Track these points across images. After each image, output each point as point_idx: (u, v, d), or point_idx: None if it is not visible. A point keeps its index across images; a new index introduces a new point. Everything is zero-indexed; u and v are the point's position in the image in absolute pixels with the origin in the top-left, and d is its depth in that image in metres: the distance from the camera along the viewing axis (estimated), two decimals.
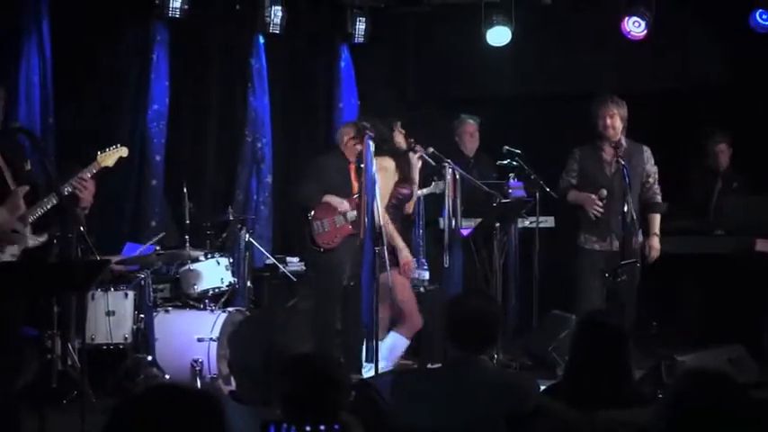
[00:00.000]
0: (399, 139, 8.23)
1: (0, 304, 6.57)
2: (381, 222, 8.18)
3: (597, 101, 8.35)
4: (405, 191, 7.98)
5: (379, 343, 7.95)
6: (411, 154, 8.04)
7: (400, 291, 8.18)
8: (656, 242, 8.36)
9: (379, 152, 7.92)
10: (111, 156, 7.13)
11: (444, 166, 8.16)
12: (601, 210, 8.26)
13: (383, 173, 7.89)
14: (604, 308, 8.19)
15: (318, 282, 9.29)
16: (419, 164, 8.12)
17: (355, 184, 8.72)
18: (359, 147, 8.87)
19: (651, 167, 8.38)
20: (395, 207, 7.97)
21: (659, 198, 8.41)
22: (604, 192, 8.25)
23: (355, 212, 8.59)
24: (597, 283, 8.36)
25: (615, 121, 8.25)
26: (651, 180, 8.40)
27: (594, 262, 8.41)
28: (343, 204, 8.65)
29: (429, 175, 8.62)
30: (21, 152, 6.85)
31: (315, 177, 9.05)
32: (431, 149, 8.37)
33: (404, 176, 8.02)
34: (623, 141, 8.28)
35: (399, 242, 7.97)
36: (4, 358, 6.81)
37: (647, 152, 8.37)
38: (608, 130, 8.26)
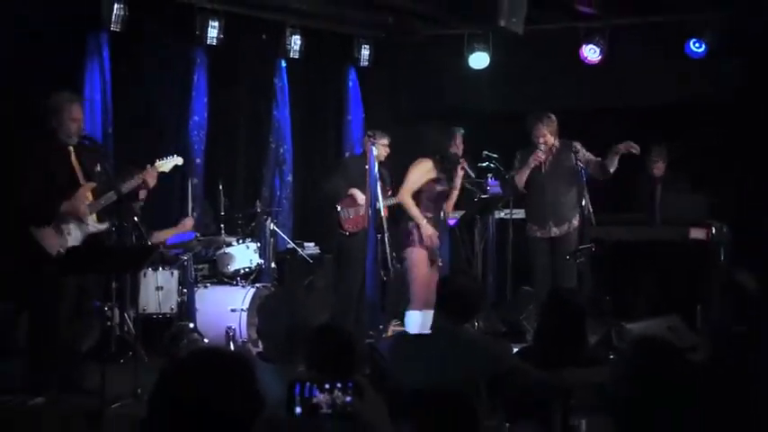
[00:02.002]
0: (457, 150, 8.16)
1: (79, 281, 6.65)
2: (384, 214, 8.23)
3: (530, 120, 8.36)
4: (439, 188, 7.99)
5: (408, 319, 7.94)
6: (456, 165, 8.05)
7: (418, 270, 8.03)
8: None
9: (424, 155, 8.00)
10: (168, 163, 7.17)
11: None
12: (542, 155, 8.26)
13: (417, 167, 7.94)
14: (550, 280, 8.26)
15: (342, 261, 9.40)
16: (462, 173, 8.12)
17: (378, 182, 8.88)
18: (382, 150, 9.05)
19: (583, 155, 8.32)
20: (428, 200, 7.96)
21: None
22: (544, 145, 8.27)
23: (389, 200, 8.82)
24: (543, 262, 8.40)
25: (547, 137, 8.30)
26: (589, 158, 8.33)
27: (538, 246, 8.45)
28: (363, 198, 8.82)
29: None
30: (94, 156, 6.89)
31: (341, 175, 9.27)
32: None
33: (445, 176, 8.01)
34: (556, 144, 8.32)
35: (420, 220, 7.89)
36: (78, 324, 6.91)
37: (576, 146, 8.31)
38: (541, 146, 8.30)
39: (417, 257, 7.91)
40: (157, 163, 7.08)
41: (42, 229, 6.55)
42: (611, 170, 8.20)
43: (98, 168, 6.87)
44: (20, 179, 6.58)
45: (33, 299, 6.81)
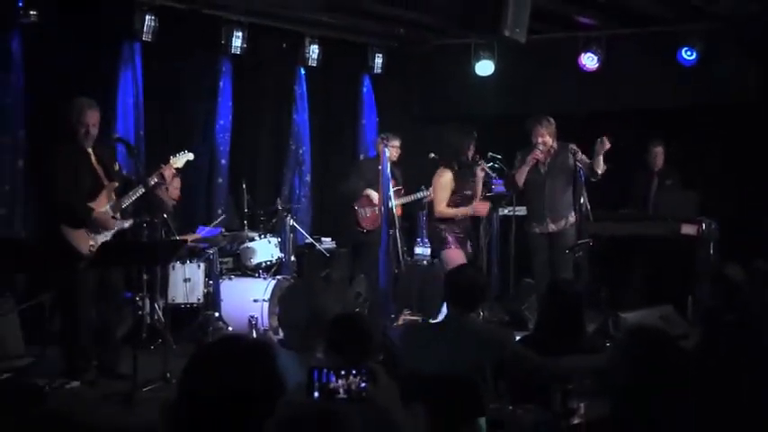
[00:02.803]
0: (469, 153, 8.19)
1: (101, 275, 6.69)
2: (398, 212, 8.27)
3: (531, 122, 8.33)
4: (464, 192, 8.05)
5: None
6: (476, 167, 8.11)
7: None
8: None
9: (444, 163, 8.06)
10: (180, 159, 7.22)
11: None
12: (540, 155, 8.25)
13: (439, 180, 8.03)
14: (549, 273, 8.24)
15: (360, 256, 9.40)
16: (482, 174, 8.17)
17: (391, 181, 8.89)
18: (393, 151, 9.06)
19: (579, 156, 8.31)
20: (456, 205, 8.01)
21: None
22: (542, 146, 8.25)
23: (404, 198, 8.80)
24: (541, 256, 8.38)
25: (546, 138, 8.26)
26: (584, 160, 8.33)
27: (537, 242, 8.43)
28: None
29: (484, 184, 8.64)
30: (113, 156, 6.94)
31: (358, 176, 9.28)
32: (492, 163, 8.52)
33: (463, 185, 8.06)
34: (554, 146, 8.29)
35: (467, 211, 8.04)
36: (112, 314, 6.96)
37: (573, 147, 8.26)
38: (539, 146, 8.26)
39: (455, 257, 7.94)
40: (171, 160, 7.15)
41: (75, 231, 6.59)
42: (599, 170, 8.15)
43: (116, 167, 6.92)
44: (50, 181, 6.63)
45: (62, 293, 6.86)
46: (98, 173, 6.78)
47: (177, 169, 7.23)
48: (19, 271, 7.70)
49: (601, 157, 8.09)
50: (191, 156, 7.36)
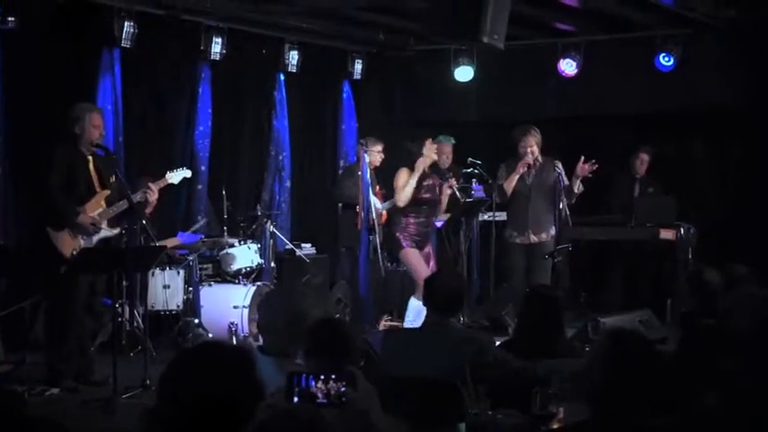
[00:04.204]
0: (429, 158, 8.20)
1: (91, 280, 6.68)
2: (383, 219, 8.28)
3: (520, 131, 8.37)
4: (425, 195, 8.11)
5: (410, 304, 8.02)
6: (444, 182, 8.18)
7: (415, 267, 8.10)
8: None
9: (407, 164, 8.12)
10: (177, 176, 7.23)
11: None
12: (531, 160, 8.29)
13: (399, 176, 8.12)
14: (526, 281, 8.27)
15: (347, 259, 9.36)
16: (449, 191, 8.22)
17: (377, 185, 8.90)
18: (376, 156, 9.06)
19: (561, 171, 8.37)
20: (414, 204, 8.08)
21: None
22: (530, 155, 8.28)
23: (386, 203, 8.76)
24: (519, 264, 8.42)
25: (533, 148, 8.30)
26: (565, 181, 8.43)
27: (516, 250, 8.47)
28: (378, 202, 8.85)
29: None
30: (110, 166, 6.90)
31: (352, 180, 9.20)
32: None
33: (430, 185, 8.16)
34: (539, 159, 8.33)
35: (417, 170, 8.05)
36: (91, 321, 6.93)
37: (558, 164, 8.31)
38: (528, 155, 8.29)
39: (412, 256, 7.99)
40: (168, 174, 7.17)
41: (59, 233, 6.58)
42: (576, 192, 8.24)
43: (113, 179, 6.89)
44: (41, 182, 6.61)
45: (50, 297, 6.83)
46: (93, 179, 6.77)
47: (171, 185, 7.26)
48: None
49: (578, 181, 8.15)
50: (188, 173, 7.41)
